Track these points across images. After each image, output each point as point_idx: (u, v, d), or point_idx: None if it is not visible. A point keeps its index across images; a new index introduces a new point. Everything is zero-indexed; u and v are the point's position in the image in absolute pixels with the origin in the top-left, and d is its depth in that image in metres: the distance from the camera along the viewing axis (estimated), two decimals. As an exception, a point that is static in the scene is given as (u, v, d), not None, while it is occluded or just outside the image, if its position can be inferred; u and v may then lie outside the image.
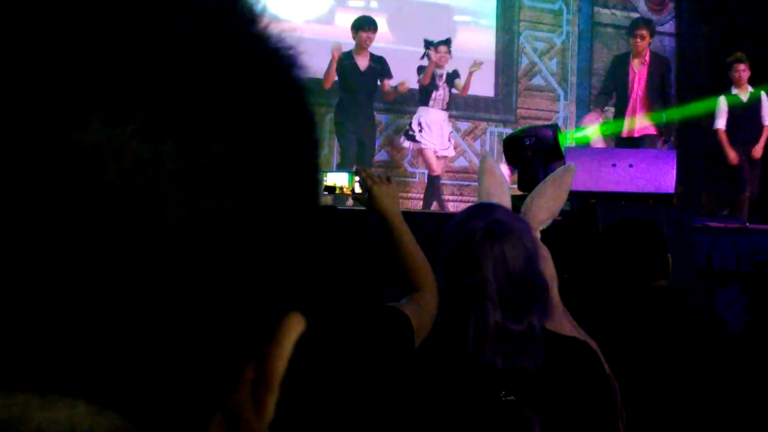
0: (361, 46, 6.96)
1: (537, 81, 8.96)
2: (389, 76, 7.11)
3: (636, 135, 7.40)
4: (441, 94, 7.27)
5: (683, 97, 8.71)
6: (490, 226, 1.71)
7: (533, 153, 4.19)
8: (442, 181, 7.59)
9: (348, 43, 7.05)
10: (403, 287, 2.02)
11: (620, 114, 7.51)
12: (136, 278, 0.31)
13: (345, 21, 7.60)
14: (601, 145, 7.59)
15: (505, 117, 8.74)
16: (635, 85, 7.47)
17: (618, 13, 9.18)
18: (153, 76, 0.32)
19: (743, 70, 7.18)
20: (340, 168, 6.62)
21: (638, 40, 7.49)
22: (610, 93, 7.74)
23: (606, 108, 7.86)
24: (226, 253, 0.33)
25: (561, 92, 9.02)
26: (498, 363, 1.67)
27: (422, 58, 7.35)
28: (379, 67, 7.03)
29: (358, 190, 2.22)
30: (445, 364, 1.72)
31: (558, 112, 8.92)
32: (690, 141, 8.72)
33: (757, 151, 7.15)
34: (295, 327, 0.38)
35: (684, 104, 8.27)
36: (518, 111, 8.75)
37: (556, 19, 9.06)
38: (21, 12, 0.32)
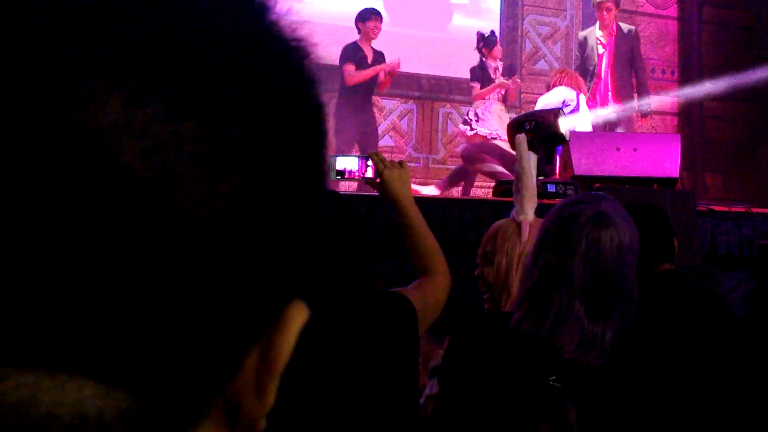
0: (369, 37, 6.94)
1: (541, 65, 8.94)
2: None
3: (600, 106, 7.42)
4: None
5: (685, 79, 8.70)
6: (595, 215, 1.73)
7: (532, 137, 4.26)
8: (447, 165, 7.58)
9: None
10: (414, 271, 2.03)
11: (590, 87, 7.52)
12: (150, 257, 0.31)
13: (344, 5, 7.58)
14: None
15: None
16: (603, 59, 7.49)
17: (621, -4, 9.16)
18: (174, 59, 0.33)
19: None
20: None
21: (604, 12, 7.51)
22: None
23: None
24: (238, 235, 0.34)
25: (565, 76, 9.00)
26: (565, 351, 1.70)
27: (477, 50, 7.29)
28: (381, 59, 7.03)
29: (369, 174, 2.20)
30: (513, 334, 1.75)
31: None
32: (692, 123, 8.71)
33: None
34: (299, 315, 0.38)
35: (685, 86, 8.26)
36: (522, 95, 8.74)
37: (560, 3, 9.03)
38: None
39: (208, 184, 0.33)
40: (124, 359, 0.32)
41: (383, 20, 7.03)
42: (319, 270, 0.39)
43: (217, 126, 0.33)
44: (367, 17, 6.95)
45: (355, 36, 6.90)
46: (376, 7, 7.17)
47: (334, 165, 2.29)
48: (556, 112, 4.56)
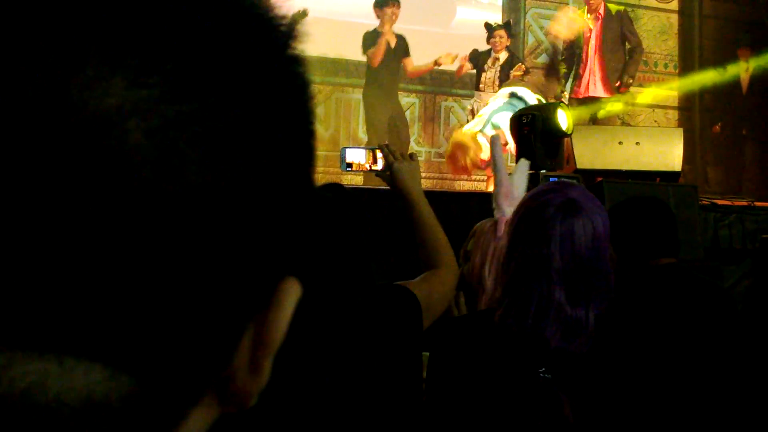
0: (390, 21, 6.89)
1: (543, 59, 8.91)
2: (409, 54, 7.06)
3: (590, 95, 7.37)
4: (490, 77, 7.07)
5: (686, 71, 8.68)
6: (564, 203, 1.75)
7: (529, 131, 4.26)
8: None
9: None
10: (422, 265, 2.02)
11: (576, 73, 7.45)
12: (156, 237, 0.32)
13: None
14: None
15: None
16: (590, 42, 7.43)
17: (625, -11, 9.12)
18: (174, 39, 0.33)
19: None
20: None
21: None
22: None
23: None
24: (238, 212, 0.34)
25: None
26: (551, 341, 1.72)
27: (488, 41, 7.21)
28: (404, 44, 6.97)
29: (379, 166, 2.18)
30: (497, 330, 1.76)
31: (565, 90, 8.88)
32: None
33: None
34: (292, 291, 0.39)
35: (687, 77, 8.23)
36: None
37: (562, -4, 9.00)
38: None
39: (213, 164, 0.33)
40: (130, 340, 0.32)
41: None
42: (313, 248, 0.40)
43: (220, 104, 0.33)
44: (385, 3, 6.90)
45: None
46: None
47: (344, 157, 2.27)
48: (556, 106, 4.54)
